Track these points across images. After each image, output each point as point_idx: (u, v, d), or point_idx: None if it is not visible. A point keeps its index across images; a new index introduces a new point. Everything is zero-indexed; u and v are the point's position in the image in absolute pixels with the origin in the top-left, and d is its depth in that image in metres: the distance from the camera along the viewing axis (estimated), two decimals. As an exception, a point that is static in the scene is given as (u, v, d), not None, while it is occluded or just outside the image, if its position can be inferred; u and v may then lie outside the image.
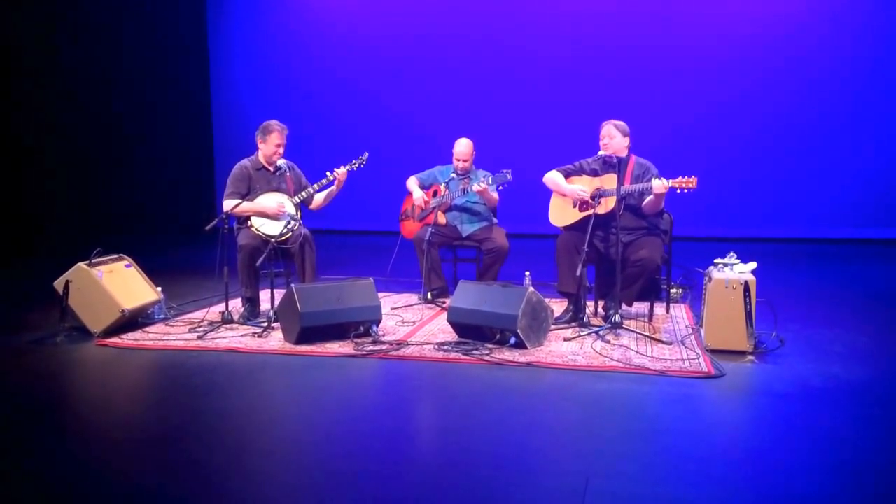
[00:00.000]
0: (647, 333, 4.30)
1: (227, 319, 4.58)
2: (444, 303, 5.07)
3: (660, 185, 4.20)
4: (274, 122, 4.88)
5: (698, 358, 3.81)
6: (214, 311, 4.76)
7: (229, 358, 3.99)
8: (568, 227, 4.61)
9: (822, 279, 6.69)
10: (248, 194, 4.78)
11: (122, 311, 4.35)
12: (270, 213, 4.71)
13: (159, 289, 4.85)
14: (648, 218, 4.51)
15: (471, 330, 4.18)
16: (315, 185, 4.92)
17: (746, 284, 3.86)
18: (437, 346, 4.08)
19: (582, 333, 4.28)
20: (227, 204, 4.72)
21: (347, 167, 4.95)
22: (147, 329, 4.55)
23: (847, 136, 8.99)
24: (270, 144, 4.84)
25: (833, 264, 7.58)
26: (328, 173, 4.91)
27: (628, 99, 9.11)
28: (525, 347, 3.98)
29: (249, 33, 10.83)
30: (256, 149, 4.92)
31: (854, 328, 4.52)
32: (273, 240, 4.61)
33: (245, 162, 4.91)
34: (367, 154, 5.07)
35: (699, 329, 4.29)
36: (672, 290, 5.16)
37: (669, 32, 9.32)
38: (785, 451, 2.71)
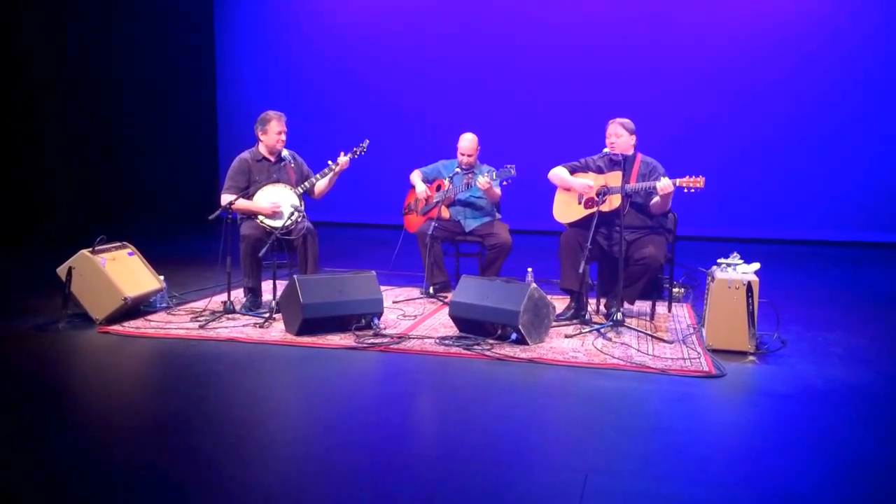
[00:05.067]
0: (649, 332, 4.29)
1: (228, 309, 4.58)
2: (445, 297, 5.07)
3: (664, 184, 4.19)
4: (270, 112, 4.87)
5: (699, 357, 3.81)
6: (216, 301, 4.76)
7: (230, 348, 3.99)
8: (572, 224, 4.60)
9: (825, 281, 6.68)
10: (248, 187, 4.77)
11: (125, 298, 4.36)
12: (265, 214, 4.70)
13: (162, 277, 4.86)
14: (653, 217, 4.51)
15: (472, 325, 4.18)
16: (317, 175, 4.91)
17: (749, 285, 3.86)
18: (438, 341, 4.08)
19: (583, 331, 4.28)
20: (225, 199, 4.71)
21: (350, 155, 4.95)
22: (149, 317, 4.56)
23: (853, 138, 8.95)
24: (272, 134, 4.82)
25: (836, 267, 7.56)
26: (330, 163, 4.91)
27: (635, 97, 9.08)
28: (526, 343, 3.98)
29: (255, 24, 10.81)
30: (257, 141, 4.91)
31: (855, 331, 4.51)
32: (276, 231, 4.61)
33: (245, 154, 4.90)
34: (367, 141, 5.07)
35: (701, 328, 4.29)
36: (674, 290, 5.16)
37: (676, 32, 9.29)
38: (785, 451, 2.71)
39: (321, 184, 4.96)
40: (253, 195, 4.74)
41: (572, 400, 3.28)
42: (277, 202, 4.72)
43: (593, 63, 9.51)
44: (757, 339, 3.92)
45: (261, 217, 4.70)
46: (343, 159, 4.91)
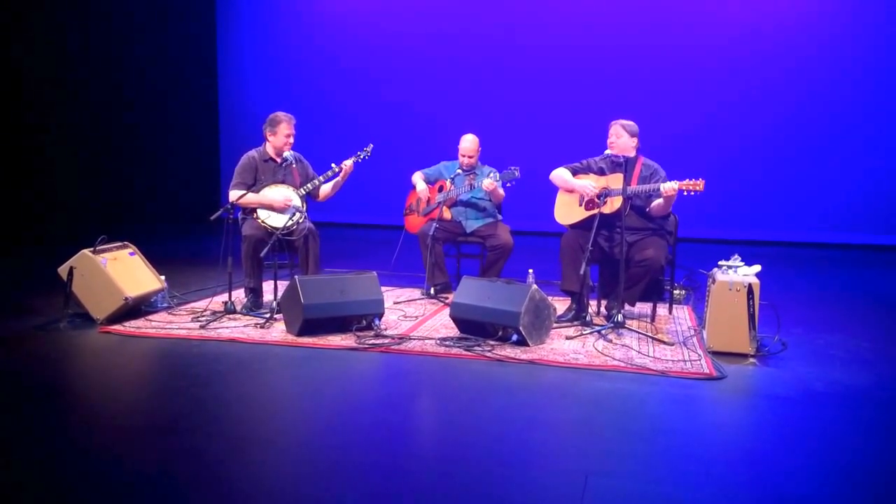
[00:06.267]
0: (650, 334, 4.29)
1: (229, 309, 4.58)
2: (446, 298, 5.07)
3: (669, 186, 4.18)
4: (280, 114, 4.89)
5: (700, 359, 3.81)
6: (217, 301, 4.76)
7: (231, 348, 3.99)
8: (573, 226, 4.60)
9: (826, 284, 6.68)
10: (253, 185, 4.78)
11: (126, 298, 4.36)
12: (277, 207, 4.71)
13: (163, 277, 4.86)
14: (654, 219, 4.51)
15: (473, 326, 4.18)
16: (321, 177, 4.91)
17: (750, 287, 3.86)
18: (438, 342, 4.08)
19: (584, 332, 4.28)
20: (234, 194, 4.73)
21: (353, 159, 4.95)
22: (150, 317, 4.56)
23: (854, 141, 8.96)
24: (280, 135, 4.83)
25: (837, 269, 7.56)
26: (333, 165, 4.91)
27: (636, 99, 9.09)
28: (527, 345, 3.98)
29: (257, 25, 10.83)
30: (264, 140, 4.92)
31: (856, 333, 4.51)
32: (278, 232, 4.62)
33: (253, 153, 4.91)
34: (371, 145, 5.08)
35: (701, 331, 4.29)
36: (675, 292, 5.16)
37: (677, 34, 9.30)
38: (784, 453, 2.71)
39: (325, 188, 4.98)
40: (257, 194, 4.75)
41: (573, 401, 3.27)
42: (290, 197, 4.73)
43: (594, 64, 9.52)
44: (758, 342, 3.91)
45: (262, 217, 4.70)
46: (347, 163, 4.91)
